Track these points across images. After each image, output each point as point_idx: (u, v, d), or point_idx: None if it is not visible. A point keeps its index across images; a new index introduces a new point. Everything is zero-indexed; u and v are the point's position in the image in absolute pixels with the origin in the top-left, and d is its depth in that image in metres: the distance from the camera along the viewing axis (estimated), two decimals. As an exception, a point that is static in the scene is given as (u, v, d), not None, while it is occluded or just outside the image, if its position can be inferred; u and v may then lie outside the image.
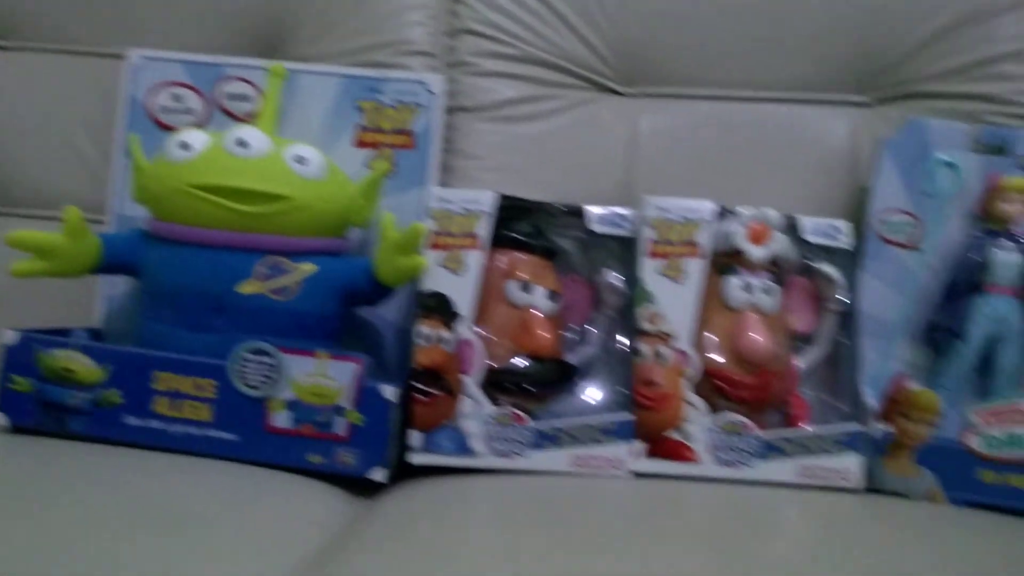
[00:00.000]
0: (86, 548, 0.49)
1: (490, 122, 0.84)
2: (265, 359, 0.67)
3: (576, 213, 0.75)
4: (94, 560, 0.48)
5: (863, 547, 0.56)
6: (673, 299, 0.71)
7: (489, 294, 0.72)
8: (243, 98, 0.81)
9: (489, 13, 0.85)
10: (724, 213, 0.73)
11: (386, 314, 0.78)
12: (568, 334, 0.76)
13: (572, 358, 0.75)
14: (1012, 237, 0.75)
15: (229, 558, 0.51)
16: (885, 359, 0.76)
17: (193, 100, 0.82)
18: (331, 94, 0.81)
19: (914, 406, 0.69)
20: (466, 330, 0.70)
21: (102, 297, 0.80)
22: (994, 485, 0.68)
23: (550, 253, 0.75)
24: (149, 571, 0.48)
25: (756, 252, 0.72)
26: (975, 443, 0.69)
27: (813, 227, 0.75)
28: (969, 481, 0.69)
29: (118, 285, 0.79)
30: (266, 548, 0.54)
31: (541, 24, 0.84)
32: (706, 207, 0.72)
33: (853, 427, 0.69)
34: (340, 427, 0.67)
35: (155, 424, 0.67)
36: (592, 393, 0.74)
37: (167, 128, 0.80)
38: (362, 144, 0.80)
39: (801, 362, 0.75)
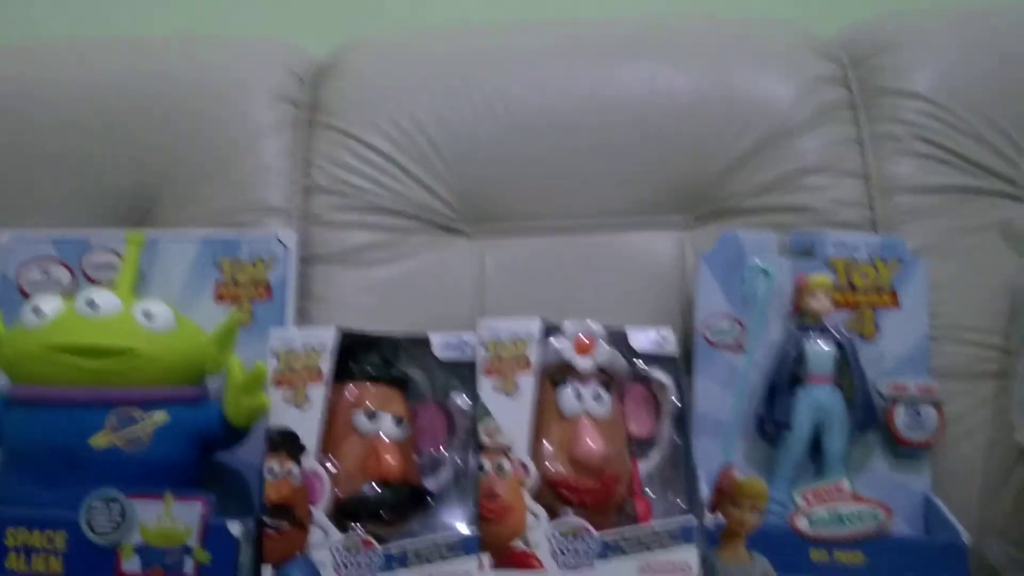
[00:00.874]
0: None
1: (344, 268, 0.90)
2: (113, 506, 0.69)
3: (421, 342, 0.80)
4: None
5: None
6: (509, 413, 0.75)
7: (338, 426, 0.76)
8: (108, 267, 0.86)
9: (338, 172, 0.92)
10: (552, 329, 0.78)
11: (248, 455, 0.81)
12: (423, 459, 0.80)
13: (429, 482, 0.78)
14: (824, 330, 0.81)
15: None
16: (725, 455, 0.80)
17: (61, 273, 0.87)
18: (191, 256, 0.86)
19: (741, 494, 0.73)
20: (312, 462, 0.73)
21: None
22: (823, 563, 0.72)
23: (398, 382, 0.79)
24: None
25: (583, 362, 0.77)
26: (802, 524, 0.72)
27: (641, 337, 0.81)
28: (801, 562, 0.72)
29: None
30: None
31: (387, 178, 0.92)
32: (534, 325, 0.78)
33: (686, 520, 0.72)
34: (188, 567, 0.69)
35: (6, 581, 0.69)
36: (448, 515, 0.77)
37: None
38: (221, 298, 0.86)
39: (643, 464, 0.79)
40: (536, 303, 0.88)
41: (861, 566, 0.71)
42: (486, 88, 0.94)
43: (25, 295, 0.85)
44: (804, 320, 0.81)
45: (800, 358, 0.80)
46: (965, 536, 0.72)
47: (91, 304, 0.75)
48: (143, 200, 0.93)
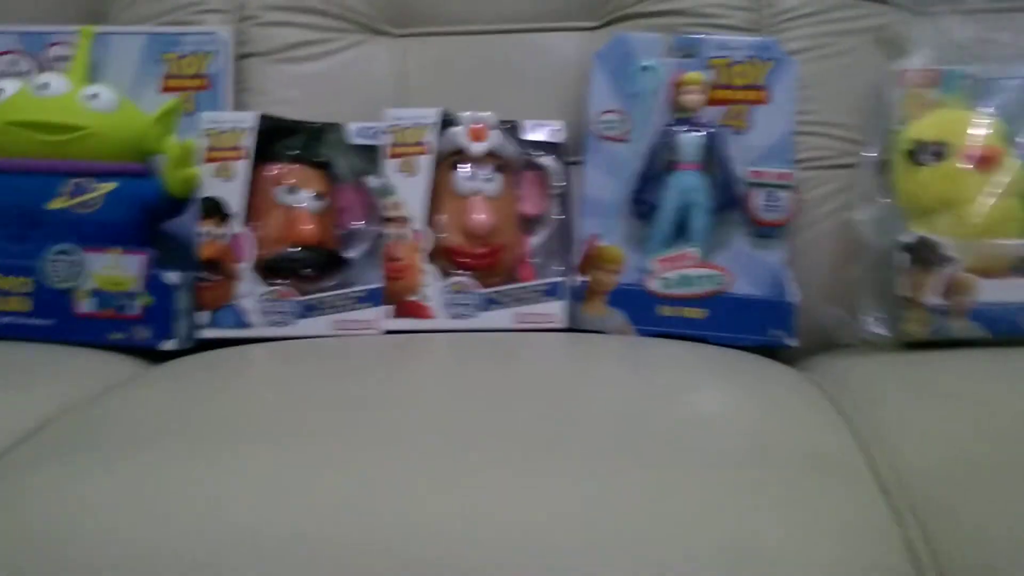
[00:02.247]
0: None
1: (276, 64, 0.99)
2: (68, 257, 0.82)
3: (338, 129, 0.91)
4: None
5: (575, 363, 0.74)
6: (409, 190, 0.87)
7: (262, 199, 0.88)
8: (66, 58, 0.96)
9: (271, -27, 1.00)
10: (449, 119, 0.88)
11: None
12: (344, 232, 0.91)
13: (349, 251, 0.91)
14: (695, 122, 0.90)
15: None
16: (606, 232, 0.92)
17: (26, 64, 0.96)
18: (138, 50, 0.96)
19: (603, 259, 0.85)
20: (238, 226, 0.85)
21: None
22: (671, 317, 0.84)
23: (318, 164, 0.90)
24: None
25: (476, 148, 0.88)
26: (654, 285, 0.85)
27: (533, 127, 0.91)
28: (651, 316, 0.85)
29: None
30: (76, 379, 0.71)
31: (316, -22, 1.00)
32: (432, 113, 0.88)
33: (555, 279, 0.85)
34: (135, 309, 0.82)
35: (-15, 317, 0.83)
36: (365, 277, 0.89)
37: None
38: (167, 90, 0.96)
39: (532, 239, 0.90)
40: (453, 98, 0.97)
41: (703, 319, 0.84)
42: None
43: (-7, 83, 0.96)
44: (679, 113, 0.91)
45: (672, 146, 0.90)
46: (793, 295, 0.84)
47: (43, 86, 0.85)
48: (97, 2, 1.02)
